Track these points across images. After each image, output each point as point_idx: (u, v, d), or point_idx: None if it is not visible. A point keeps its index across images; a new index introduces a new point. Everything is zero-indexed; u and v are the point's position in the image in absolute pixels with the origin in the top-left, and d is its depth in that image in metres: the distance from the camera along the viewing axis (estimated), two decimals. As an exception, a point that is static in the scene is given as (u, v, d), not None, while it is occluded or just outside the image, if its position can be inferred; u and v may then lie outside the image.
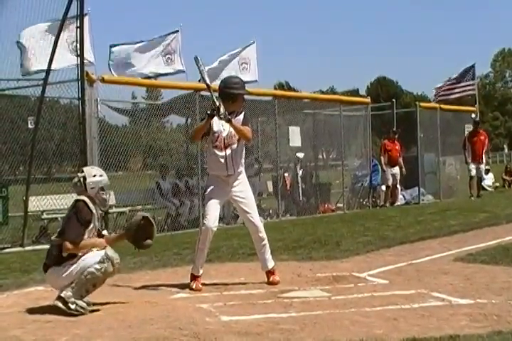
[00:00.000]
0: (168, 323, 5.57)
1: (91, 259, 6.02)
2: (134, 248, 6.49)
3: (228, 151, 7.19)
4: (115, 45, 16.15)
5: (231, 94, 7.22)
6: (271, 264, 7.44)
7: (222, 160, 7.19)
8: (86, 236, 6.15)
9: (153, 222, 6.49)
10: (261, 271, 7.47)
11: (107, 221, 6.68)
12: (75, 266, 6.01)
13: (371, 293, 6.59)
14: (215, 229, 7.15)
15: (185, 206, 14.18)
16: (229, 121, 7.05)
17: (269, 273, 7.40)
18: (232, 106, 7.24)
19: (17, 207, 12.40)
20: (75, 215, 6.15)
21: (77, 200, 6.23)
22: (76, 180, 6.29)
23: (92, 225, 6.19)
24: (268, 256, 7.44)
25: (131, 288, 7.21)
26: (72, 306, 5.93)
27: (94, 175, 6.28)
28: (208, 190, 7.33)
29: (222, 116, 7.02)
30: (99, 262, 5.98)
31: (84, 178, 6.22)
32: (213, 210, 7.15)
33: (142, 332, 5.32)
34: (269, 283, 7.28)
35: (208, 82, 7.42)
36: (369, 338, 4.91)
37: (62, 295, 5.96)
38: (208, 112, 7.09)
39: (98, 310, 6.14)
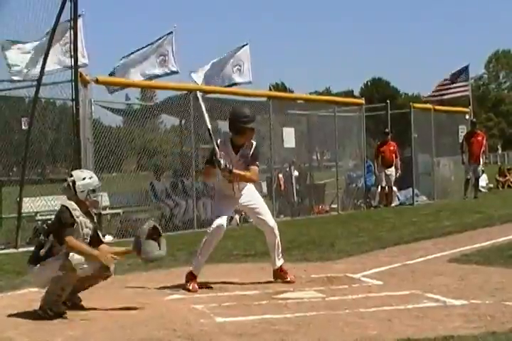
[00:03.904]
0: (163, 324, 5.56)
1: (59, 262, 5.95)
2: (144, 262, 6.51)
3: (236, 183, 7.23)
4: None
5: (240, 127, 7.21)
6: (281, 261, 7.49)
7: (229, 189, 7.27)
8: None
9: (161, 231, 6.45)
10: (255, 272, 7.48)
11: (100, 223, 6.59)
12: (46, 266, 5.98)
13: (365, 294, 6.60)
14: (221, 234, 7.19)
15: (179, 207, 14.17)
16: (230, 172, 7.09)
17: (281, 271, 7.43)
18: (241, 139, 7.26)
19: (11, 208, 12.38)
20: (58, 218, 6.17)
21: (62, 205, 6.23)
22: (65, 184, 6.28)
23: (76, 232, 6.10)
24: (279, 253, 7.49)
25: (126, 290, 7.20)
26: (51, 313, 5.93)
27: (84, 178, 6.24)
28: (217, 202, 7.45)
29: (222, 169, 7.05)
30: (63, 266, 5.90)
31: (74, 182, 6.20)
32: (222, 218, 7.18)
33: (136, 333, 5.31)
34: (287, 282, 7.34)
35: (209, 125, 7.31)
36: (363, 339, 4.92)
37: (42, 304, 6.00)
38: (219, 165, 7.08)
39: (92, 312, 6.12)
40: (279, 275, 7.45)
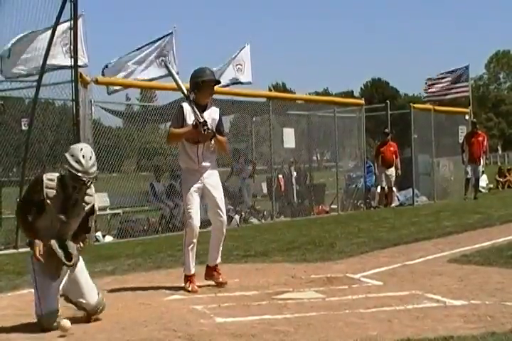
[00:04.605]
0: (162, 325, 5.56)
1: (36, 296, 5.61)
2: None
3: (200, 146, 7.14)
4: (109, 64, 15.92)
5: (197, 83, 7.20)
6: (219, 259, 7.45)
7: (194, 156, 7.17)
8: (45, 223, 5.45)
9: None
10: (255, 273, 7.46)
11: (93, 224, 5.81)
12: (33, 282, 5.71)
13: (365, 295, 6.59)
14: (198, 224, 7.13)
15: (179, 208, 14.16)
16: (214, 136, 7.10)
17: (216, 271, 7.35)
18: (202, 96, 7.21)
19: (11, 208, 12.37)
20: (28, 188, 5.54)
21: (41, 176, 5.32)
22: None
23: (47, 214, 5.38)
24: (220, 251, 7.43)
25: (125, 290, 7.20)
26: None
27: (72, 155, 5.31)
28: (184, 186, 7.30)
29: (207, 132, 7.02)
30: (35, 313, 5.59)
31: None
32: (194, 207, 7.13)
33: (136, 334, 5.31)
34: (219, 283, 7.26)
35: (185, 91, 7.31)
36: (363, 339, 4.91)
37: None
38: (193, 123, 7.06)
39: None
40: (212, 273, 7.35)
